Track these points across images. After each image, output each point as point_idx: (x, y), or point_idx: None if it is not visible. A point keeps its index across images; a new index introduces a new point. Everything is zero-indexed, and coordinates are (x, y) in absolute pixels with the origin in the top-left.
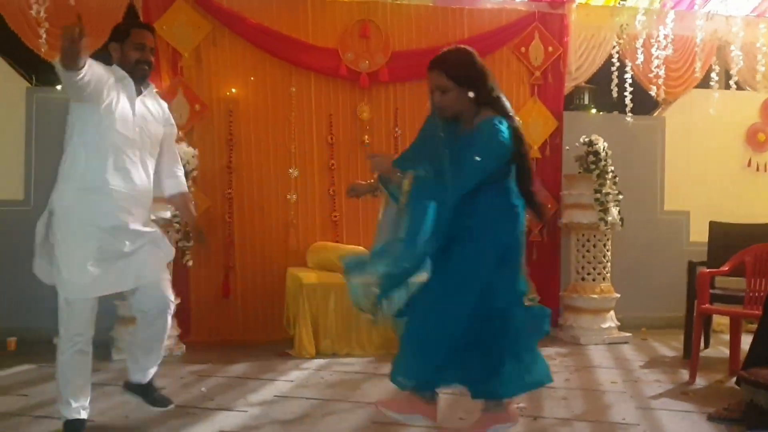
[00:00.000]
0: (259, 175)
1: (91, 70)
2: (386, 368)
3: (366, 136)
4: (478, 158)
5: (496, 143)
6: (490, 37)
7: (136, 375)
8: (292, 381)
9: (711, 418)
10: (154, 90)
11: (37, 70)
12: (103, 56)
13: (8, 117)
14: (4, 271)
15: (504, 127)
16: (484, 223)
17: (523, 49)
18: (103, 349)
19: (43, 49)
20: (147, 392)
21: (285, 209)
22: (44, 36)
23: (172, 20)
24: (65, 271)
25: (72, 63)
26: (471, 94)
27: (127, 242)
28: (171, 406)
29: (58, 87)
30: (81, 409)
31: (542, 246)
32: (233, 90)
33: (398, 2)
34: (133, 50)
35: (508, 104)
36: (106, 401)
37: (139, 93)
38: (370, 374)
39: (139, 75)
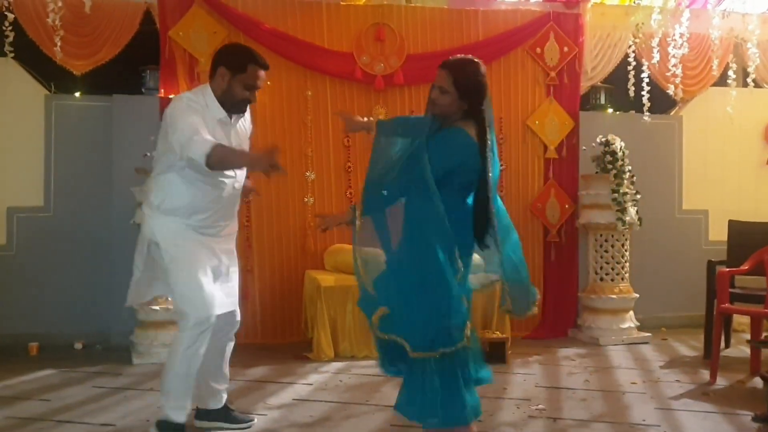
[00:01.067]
0: (276, 178)
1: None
2: None
3: None
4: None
5: (447, 152)
6: (504, 38)
7: (209, 401)
8: (311, 384)
9: (756, 419)
10: None
11: (55, 78)
12: (122, 62)
13: (27, 124)
14: (26, 277)
15: (464, 140)
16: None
17: (538, 50)
18: (123, 353)
19: (58, 57)
20: (227, 415)
21: (302, 212)
22: (59, 43)
23: (188, 26)
24: (189, 291)
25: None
26: (465, 106)
27: (228, 266)
28: (254, 421)
29: (77, 94)
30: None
31: (560, 247)
32: None
33: (412, 5)
34: (242, 89)
35: (490, 120)
36: (127, 405)
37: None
38: (389, 377)
39: (238, 112)
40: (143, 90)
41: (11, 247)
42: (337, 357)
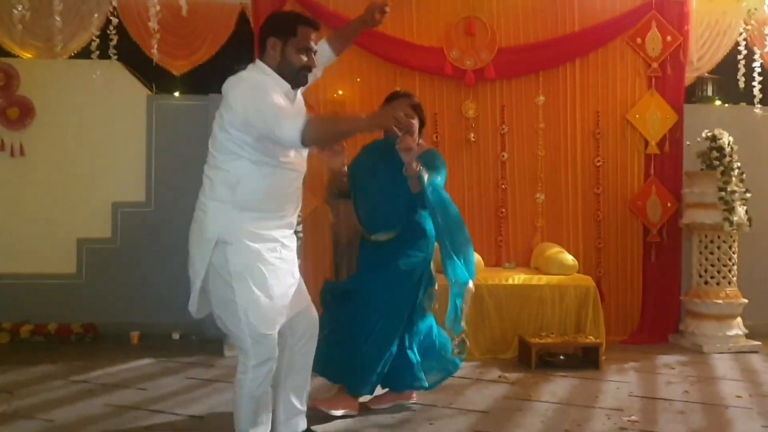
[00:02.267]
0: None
1: None
2: (492, 373)
3: (471, 134)
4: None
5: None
6: (603, 28)
7: (288, 426)
8: None
9: None
10: None
11: (156, 78)
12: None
13: (131, 123)
14: (129, 269)
15: None
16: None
17: (639, 40)
18: (216, 344)
19: (156, 58)
20: None
21: None
22: (155, 45)
23: None
24: (254, 306)
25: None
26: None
27: (297, 260)
28: None
29: (176, 94)
30: None
31: (662, 247)
32: (340, 92)
33: None
34: (297, 54)
35: None
36: (217, 397)
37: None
38: (474, 380)
39: (300, 84)
40: None
41: (116, 240)
42: None
